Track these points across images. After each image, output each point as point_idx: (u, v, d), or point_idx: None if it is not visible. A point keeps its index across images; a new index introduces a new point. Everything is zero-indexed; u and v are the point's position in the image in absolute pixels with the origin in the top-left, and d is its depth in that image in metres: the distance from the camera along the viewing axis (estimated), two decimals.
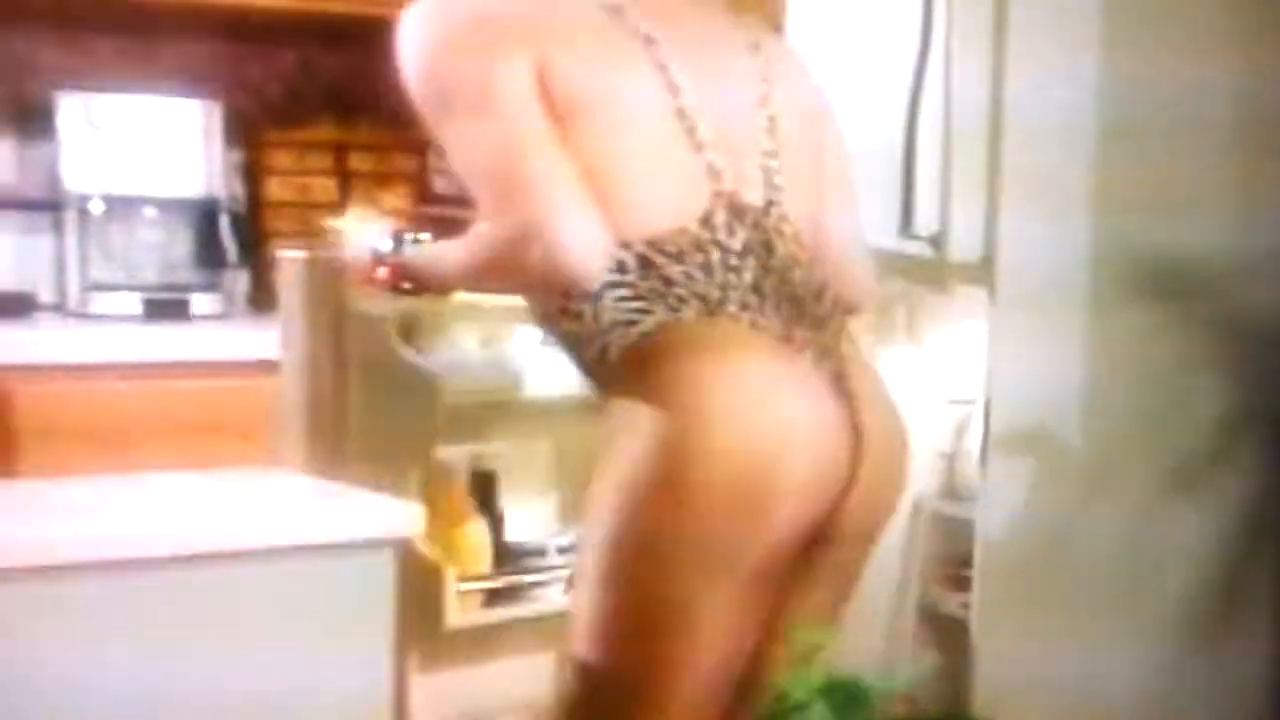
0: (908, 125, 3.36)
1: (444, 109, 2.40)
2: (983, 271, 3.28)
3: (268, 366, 3.93)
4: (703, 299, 2.46)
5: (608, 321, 2.45)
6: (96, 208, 4.15)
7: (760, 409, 2.37)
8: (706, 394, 2.37)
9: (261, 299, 4.34)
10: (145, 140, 4.18)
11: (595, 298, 2.42)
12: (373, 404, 3.24)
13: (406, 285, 2.70)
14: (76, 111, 4.13)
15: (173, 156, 4.20)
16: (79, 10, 4.22)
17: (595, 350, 2.46)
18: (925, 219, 3.35)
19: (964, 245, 3.31)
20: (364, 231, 2.80)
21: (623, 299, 2.43)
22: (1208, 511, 3.48)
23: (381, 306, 3.23)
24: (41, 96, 4.21)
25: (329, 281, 3.24)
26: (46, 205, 4.22)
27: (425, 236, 2.84)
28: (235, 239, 4.25)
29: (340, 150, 4.46)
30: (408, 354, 3.21)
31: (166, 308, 4.14)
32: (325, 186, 4.44)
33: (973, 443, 3.52)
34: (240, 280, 4.36)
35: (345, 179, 4.45)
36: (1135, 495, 3.44)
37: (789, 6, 3.65)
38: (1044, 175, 3.31)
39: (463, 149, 2.39)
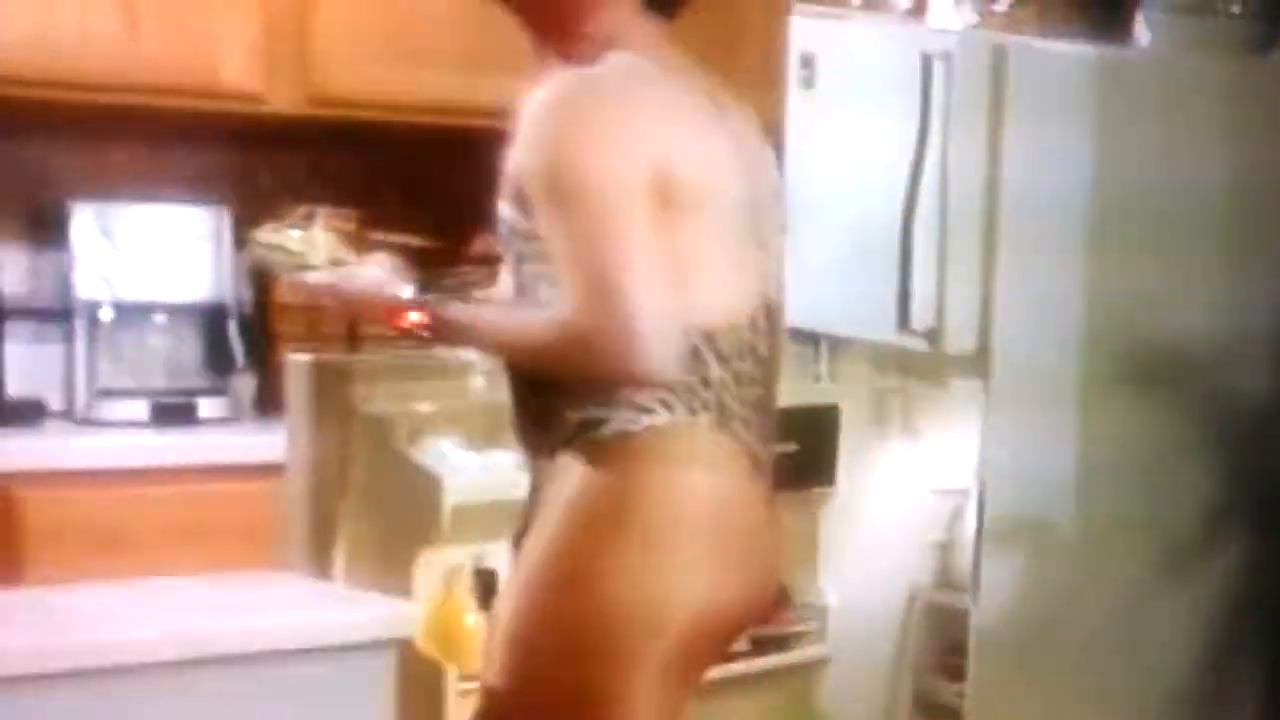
0: (904, 223, 3.41)
1: (556, 193, 2.43)
2: (977, 363, 3.33)
3: (274, 469, 3.99)
4: (721, 410, 2.51)
5: (626, 401, 2.47)
6: (106, 315, 4.20)
7: (716, 555, 2.49)
8: (675, 508, 2.48)
9: (269, 401, 4.36)
10: (156, 247, 4.25)
11: None
12: (376, 504, 3.27)
13: (431, 335, 2.61)
14: (89, 221, 4.20)
15: (183, 262, 4.26)
16: (93, 119, 4.29)
17: (579, 420, 2.48)
18: (921, 314, 3.39)
19: (959, 339, 3.35)
20: (375, 270, 2.68)
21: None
22: (1197, 595, 3.51)
23: (388, 408, 3.26)
24: (55, 205, 4.27)
25: (336, 383, 3.28)
26: (57, 313, 4.27)
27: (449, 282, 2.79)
28: (243, 342, 4.30)
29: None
30: (412, 454, 3.24)
31: (174, 412, 4.17)
32: None
33: (966, 532, 3.54)
34: (248, 383, 4.40)
35: None
36: (1126, 580, 3.47)
37: (788, 101, 3.71)
38: (1038, 266, 3.36)
39: (566, 234, 2.41)
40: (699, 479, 2.52)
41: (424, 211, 4.74)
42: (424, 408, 3.33)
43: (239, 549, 3.84)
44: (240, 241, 4.32)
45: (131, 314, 4.23)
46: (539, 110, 2.47)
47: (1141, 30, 3.53)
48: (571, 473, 2.49)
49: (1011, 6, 3.60)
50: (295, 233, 2.75)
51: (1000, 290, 3.37)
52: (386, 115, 4.39)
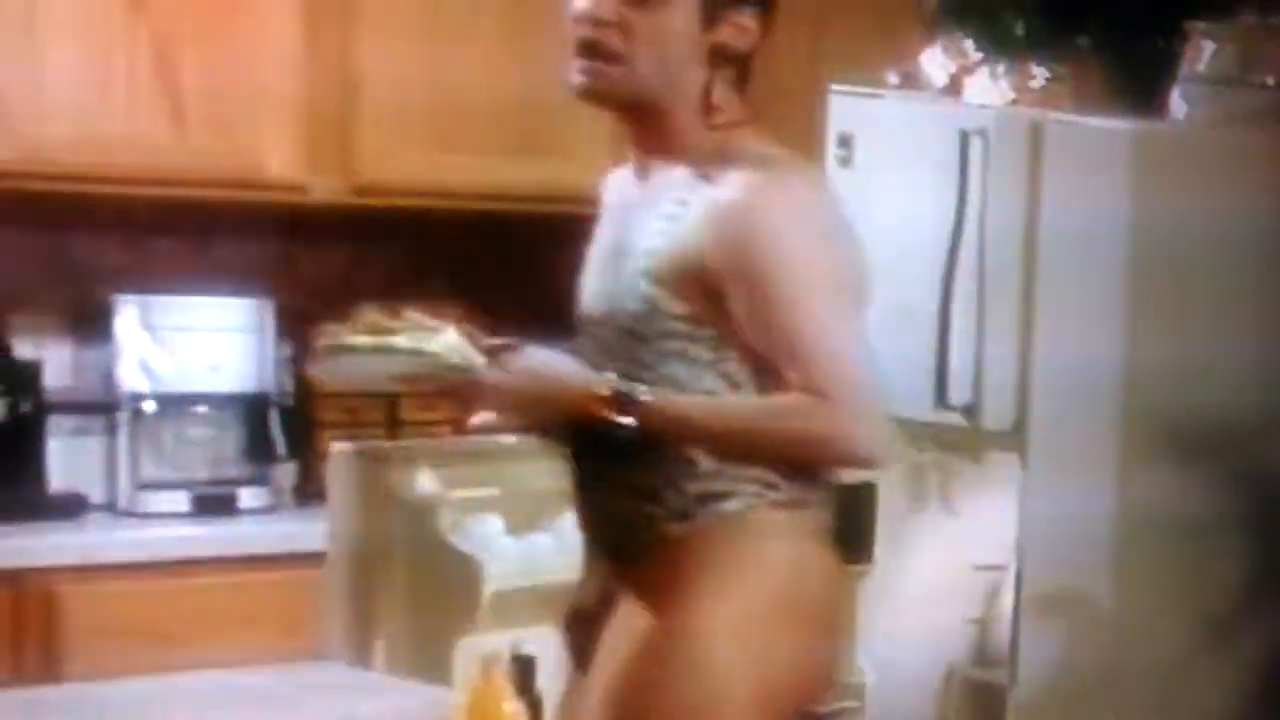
0: (942, 299, 3.42)
1: (820, 280, 2.54)
2: (1015, 438, 3.32)
3: (315, 559, 4.00)
4: (827, 489, 2.65)
5: (744, 477, 2.56)
6: (149, 407, 4.24)
7: (830, 628, 2.66)
8: (806, 582, 2.61)
9: (309, 490, 4.39)
10: (198, 338, 4.29)
11: None
12: (416, 591, 3.28)
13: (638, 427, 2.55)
14: (132, 314, 4.25)
15: (225, 354, 4.30)
16: (137, 213, 4.36)
17: (698, 493, 2.56)
18: (959, 390, 3.39)
19: (997, 413, 3.35)
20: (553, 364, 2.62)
21: None
22: (1236, 668, 3.47)
23: (429, 494, 3.27)
24: (99, 300, 4.32)
25: (377, 471, 3.29)
26: (100, 407, 4.31)
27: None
28: (284, 431, 4.33)
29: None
30: (453, 540, 3.24)
31: (215, 503, 4.20)
32: None
33: (1004, 608, 3.53)
34: (288, 472, 4.42)
35: None
36: (1165, 653, 3.44)
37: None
38: (1075, 341, 3.35)
39: (799, 320, 2.51)
40: (817, 552, 2.63)
41: (468, 298, 4.80)
42: (464, 493, 3.34)
43: (279, 639, 3.85)
44: (282, 329, 4.39)
45: (174, 406, 4.27)
46: (753, 205, 2.52)
47: (1176, 103, 3.52)
48: (695, 547, 2.55)
49: (1047, 82, 3.60)
50: (422, 335, 2.60)
51: (1037, 364, 3.37)
52: (429, 202, 4.44)
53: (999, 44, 3.67)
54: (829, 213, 2.60)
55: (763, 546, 2.58)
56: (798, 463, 2.58)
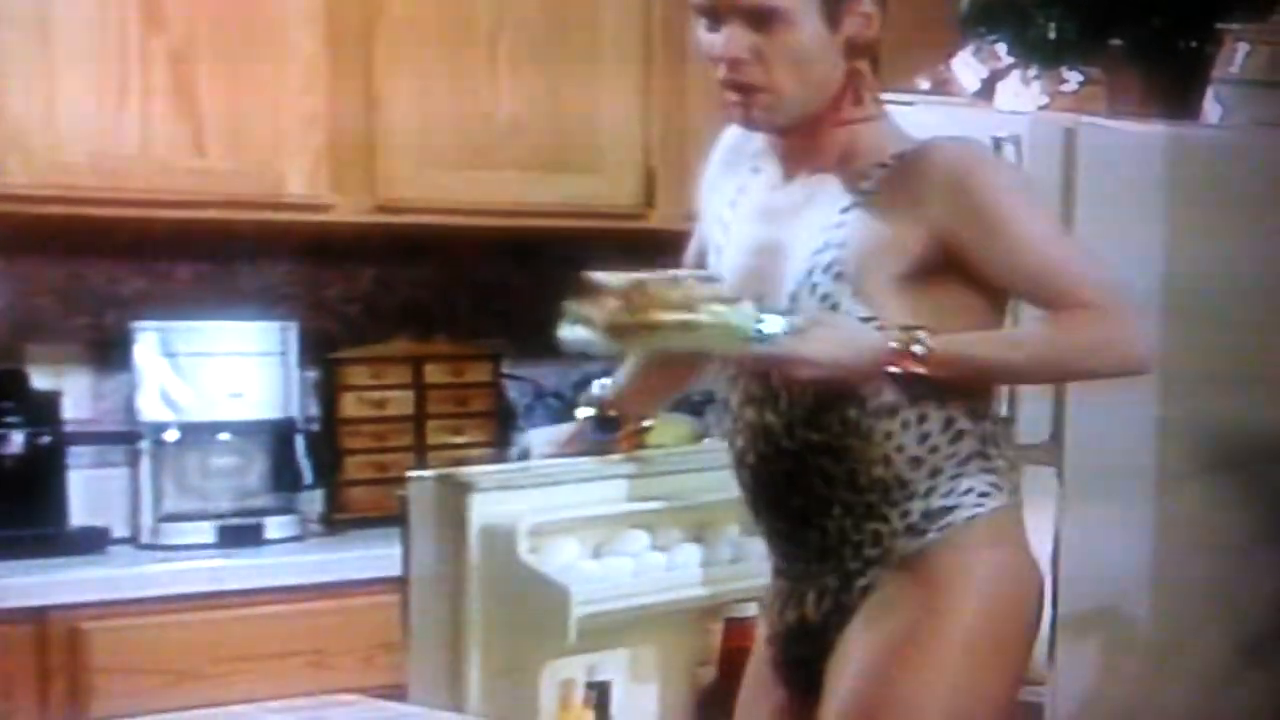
0: None
1: (1043, 214, 2.81)
2: (1050, 452, 3.37)
3: (343, 589, 4.08)
4: (1018, 488, 2.86)
5: (964, 489, 2.76)
6: (171, 437, 4.29)
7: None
8: (1038, 588, 2.85)
9: (337, 519, 4.49)
10: (221, 365, 4.33)
11: None
12: (501, 619, 3.34)
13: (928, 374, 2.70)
14: (153, 342, 4.30)
15: (248, 380, 4.34)
16: (157, 237, 4.44)
17: (923, 510, 2.75)
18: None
19: (1032, 427, 3.40)
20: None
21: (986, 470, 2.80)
22: (1275, 685, 3.51)
23: (509, 519, 3.33)
24: (119, 327, 4.39)
25: (456, 497, 3.35)
26: (121, 437, 4.37)
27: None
28: (310, 459, 4.38)
29: (417, 364, 4.60)
30: (537, 565, 3.30)
31: (240, 534, 4.24)
32: (401, 401, 4.59)
33: (1041, 625, 3.59)
34: (315, 501, 4.49)
35: (421, 392, 4.59)
36: (1203, 670, 3.49)
37: None
38: None
39: (1055, 244, 2.74)
40: (1030, 556, 2.85)
41: (495, 316, 4.88)
42: (543, 518, 3.41)
43: (310, 672, 3.97)
44: (306, 355, 4.47)
45: (197, 435, 4.31)
46: (973, 165, 2.74)
47: (1211, 106, 3.58)
48: (930, 560, 2.74)
49: (1080, 86, 3.66)
50: (719, 308, 2.62)
51: None
52: (454, 220, 4.49)
53: (1031, 48, 3.73)
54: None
55: (992, 555, 2.77)
56: (1083, 376, 2.86)
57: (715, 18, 2.73)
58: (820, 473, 2.77)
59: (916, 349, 2.65)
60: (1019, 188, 2.80)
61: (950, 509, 2.75)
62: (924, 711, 2.72)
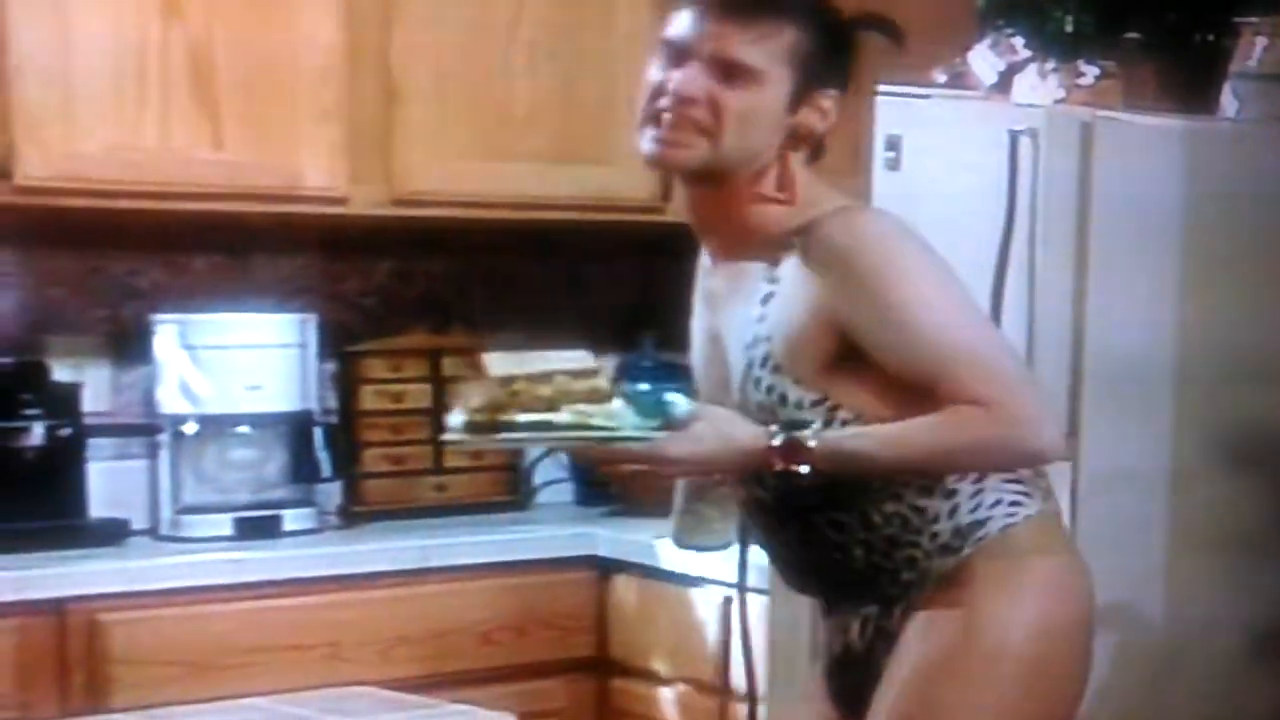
0: (992, 303, 3.48)
1: (944, 295, 2.70)
2: (1067, 444, 3.38)
3: (361, 581, 4.12)
4: (1051, 493, 2.84)
5: (990, 501, 2.74)
6: (190, 429, 4.33)
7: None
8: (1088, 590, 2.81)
9: (355, 511, 4.52)
10: (239, 357, 4.35)
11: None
12: None
13: (820, 470, 2.67)
14: (172, 334, 4.33)
15: (267, 372, 4.37)
16: (175, 230, 4.48)
17: (954, 527, 2.73)
18: None
19: None
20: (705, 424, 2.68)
21: (1010, 480, 2.76)
22: None
23: None
24: (138, 320, 4.44)
25: None
26: (140, 429, 4.41)
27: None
28: (328, 452, 4.41)
29: (434, 356, 4.63)
30: None
31: (258, 526, 4.27)
32: (419, 393, 4.61)
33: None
34: (333, 493, 4.52)
35: (439, 385, 4.61)
36: (1217, 667, 3.51)
37: (874, 184, 3.80)
38: (1127, 345, 3.43)
39: (955, 331, 2.67)
40: (1078, 560, 2.84)
41: (512, 308, 4.92)
42: None
43: (327, 664, 4.01)
44: (324, 347, 4.50)
45: (216, 427, 4.35)
46: (863, 244, 2.69)
47: (1228, 100, 3.60)
48: (967, 576, 2.73)
49: (1097, 79, 3.67)
50: (584, 409, 2.61)
51: (1089, 369, 3.44)
52: (471, 212, 4.52)
53: (1048, 41, 3.74)
54: (912, 232, 2.74)
55: (1037, 563, 2.75)
56: (979, 469, 2.74)
57: (682, 57, 2.71)
58: (831, 524, 2.77)
59: (799, 446, 2.64)
60: (916, 269, 2.69)
61: (982, 522, 2.74)
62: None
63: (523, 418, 2.59)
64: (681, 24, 2.73)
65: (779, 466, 2.64)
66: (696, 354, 2.93)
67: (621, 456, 2.66)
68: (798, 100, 2.72)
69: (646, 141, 2.73)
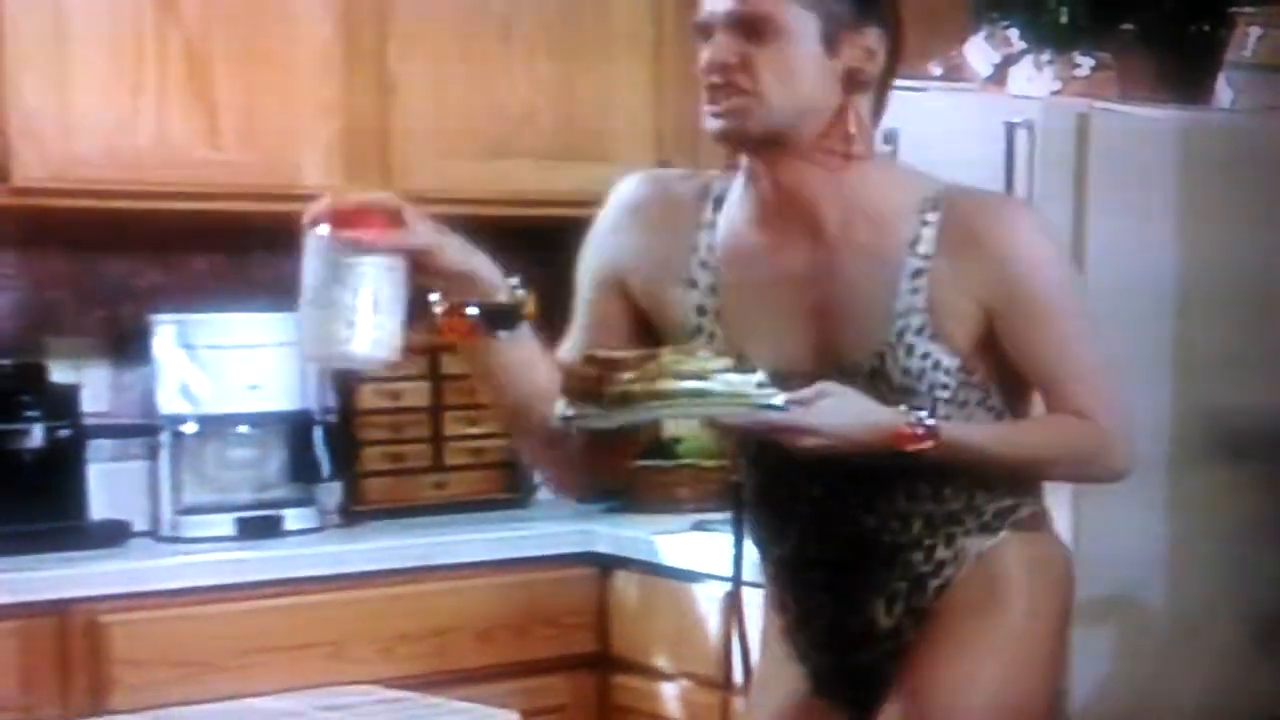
0: None
1: (1076, 305, 2.81)
2: None
3: (362, 580, 4.14)
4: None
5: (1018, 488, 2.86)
6: (190, 429, 4.34)
7: None
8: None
9: (354, 510, 4.53)
10: (238, 357, 4.36)
11: None
12: None
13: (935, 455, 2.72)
14: (170, 335, 4.34)
15: (266, 371, 4.38)
16: (172, 229, 4.49)
17: (996, 508, 2.84)
18: None
19: None
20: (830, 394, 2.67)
21: None
22: None
23: None
24: (136, 321, 4.45)
25: None
26: (140, 430, 4.42)
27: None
28: (328, 451, 4.42)
29: (433, 354, 4.62)
30: None
31: (259, 525, 4.29)
32: (418, 392, 4.63)
33: None
34: (333, 492, 4.52)
35: (438, 383, 4.63)
36: (1218, 655, 3.54)
37: None
38: (1123, 337, 3.42)
39: (1074, 344, 2.79)
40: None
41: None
42: None
43: (329, 663, 4.02)
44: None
45: (216, 427, 4.36)
46: (1031, 225, 2.81)
47: (1223, 90, 3.61)
48: (1002, 557, 2.83)
49: (1092, 71, 3.69)
50: (731, 377, 2.59)
51: None
52: (468, 210, 4.50)
53: (1043, 33, 3.77)
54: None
55: (1054, 549, 2.92)
56: (1065, 479, 2.97)
57: (709, 30, 2.71)
58: (907, 489, 2.81)
59: (926, 432, 2.67)
60: (1065, 273, 2.83)
61: (1015, 507, 2.84)
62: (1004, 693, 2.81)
63: (680, 385, 2.57)
64: (703, 5, 2.74)
65: (908, 448, 2.67)
66: (771, 331, 2.84)
67: (773, 426, 2.65)
68: (834, 42, 2.70)
69: (707, 120, 2.74)
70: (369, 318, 2.55)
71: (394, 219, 2.62)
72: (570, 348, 2.88)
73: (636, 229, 2.92)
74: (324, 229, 2.58)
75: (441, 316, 2.66)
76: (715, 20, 2.70)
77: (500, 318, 2.70)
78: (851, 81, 2.73)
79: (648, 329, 2.89)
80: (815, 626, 2.93)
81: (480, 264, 2.71)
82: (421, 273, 2.63)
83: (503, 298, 2.71)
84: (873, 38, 2.73)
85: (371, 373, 4.46)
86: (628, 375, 2.56)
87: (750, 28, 2.68)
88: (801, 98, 2.70)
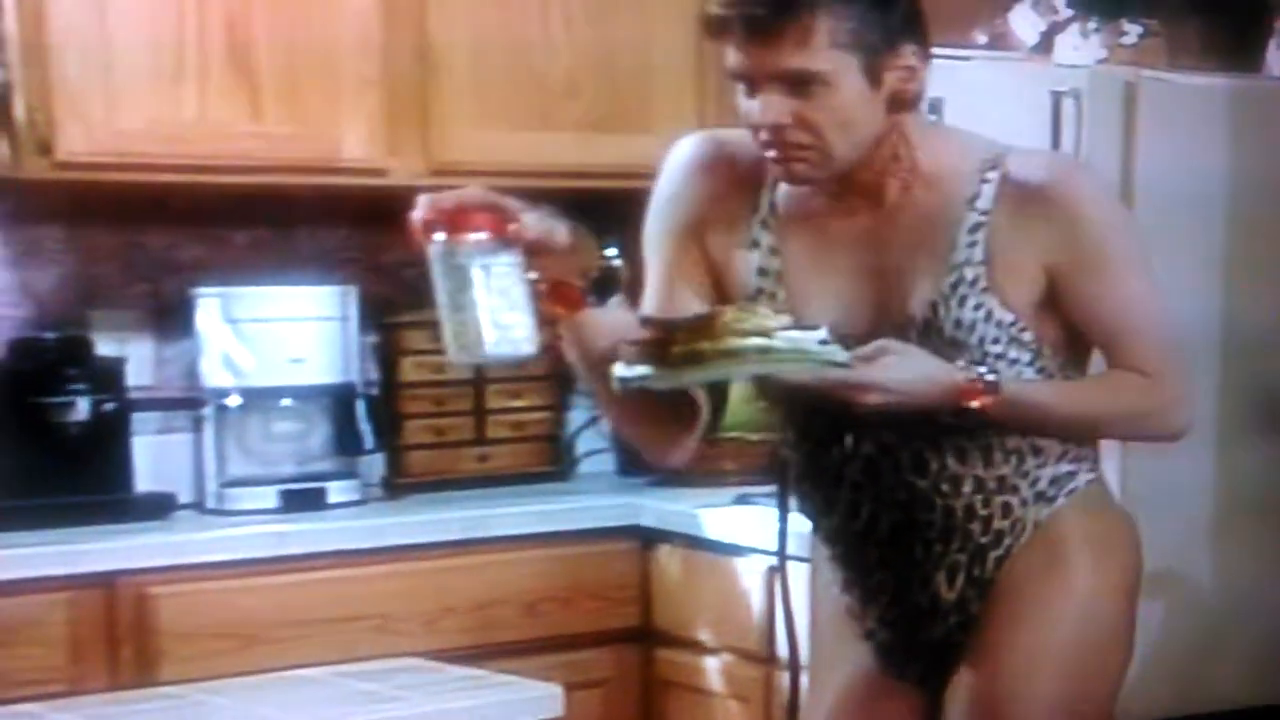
0: None
1: (1141, 263, 2.83)
2: None
3: (405, 552, 4.14)
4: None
5: (1073, 455, 2.85)
6: (234, 402, 4.35)
7: None
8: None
9: (397, 483, 4.55)
10: (281, 330, 4.38)
11: None
12: None
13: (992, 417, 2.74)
14: (214, 308, 4.36)
15: (309, 344, 4.39)
16: (215, 203, 4.50)
17: (1053, 475, 2.84)
18: None
19: None
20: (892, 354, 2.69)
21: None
22: None
23: None
24: (179, 294, 4.46)
25: None
26: (184, 403, 4.44)
27: None
28: (371, 424, 4.42)
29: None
30: None
31: (303, 498, 4.29)
32: None
33: None
34: (376, 465, 4.54)
35: None
36: (1264, 631, 3.52)
37: None
38: (1171, 306, 3.43)
39: (1142, 300, 2.82)
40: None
41: None
42: None
43: (373, 635, 4.03)
44: (365, 319, 4.52)
45: (259, 400, 4.37)
46: (1093, 182, 2.88)
47: (1273, 58, 3.59)
48: (1060, 525, 2.84)
49: (1140, 38, 3.67)
50: (795, 335, 2.59)
51: None
52: (509, 181, 4.46)
53: (1090, 0, 3.75)
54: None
55: (1116, 519, 2.92)
56: (1123, 437, 3.01)
57: (752, 84, 2.68)
58: (955, 451, 2.81)
59: (987, 388, 2.70)
60: (1130, 233, 2.85)
61: (1072, 474, 2.85)
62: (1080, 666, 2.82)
63: (746, 342, 2.55)
64: (733, 56, 2.70)
65: (970, 403, 2.70)
66: (835, 291, 2.84)
67: (838, 383, 2.65)
68: (876, 73, 2.68)
69: (771, 166, 2.76)
70: (505, 315, 2.55)
71: (497, 211, 2.61)
72: (654, 312, 2.86)
73: (706, 184, 2.90)
74: (440, 236, 2.61)
75: (547, 291, 2.64)
76: (757, 75, 2.67)
77: (603, 286, 2.70)
78: (896, 103, 2.73)
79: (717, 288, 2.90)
80: (880, 602, 2.94)
81: (581, 238, 2.71)
82: (534, 257, 2.62)
83: (600, 265, 2.71)
84: (909, 55, 2.72)
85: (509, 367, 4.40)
86: (689, 335, 2.56)
87: (796, 84, 2.65)
88: (861, 139, 2.72)
